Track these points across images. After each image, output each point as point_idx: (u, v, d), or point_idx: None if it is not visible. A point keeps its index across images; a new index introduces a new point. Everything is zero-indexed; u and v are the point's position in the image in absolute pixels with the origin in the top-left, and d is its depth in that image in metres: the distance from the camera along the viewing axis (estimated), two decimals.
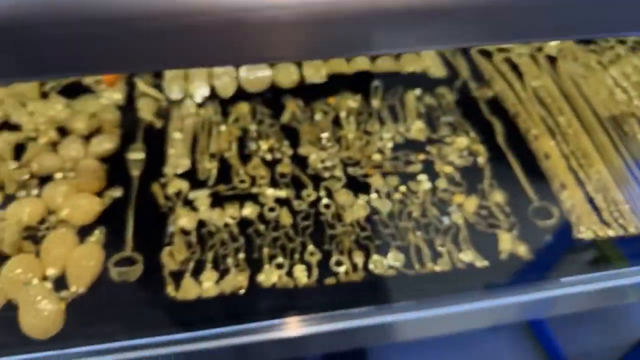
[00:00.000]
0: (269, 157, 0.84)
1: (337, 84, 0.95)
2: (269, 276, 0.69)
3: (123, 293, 0.67)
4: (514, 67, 1.01)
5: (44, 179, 0.80)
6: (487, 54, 1.03)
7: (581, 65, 1.02)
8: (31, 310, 0.62)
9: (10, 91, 0.93)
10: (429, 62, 0.98)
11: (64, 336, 0.62)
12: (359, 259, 0.71)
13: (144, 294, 0.67)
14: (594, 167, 0.83)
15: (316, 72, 0.95)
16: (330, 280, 0.69)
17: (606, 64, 1.03)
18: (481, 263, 0.71)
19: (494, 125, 0.88)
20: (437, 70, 0.97)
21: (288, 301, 0.67)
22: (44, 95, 0.93)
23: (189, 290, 0.67)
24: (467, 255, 0.72)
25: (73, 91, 0.93)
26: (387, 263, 0.71)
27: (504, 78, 0.98)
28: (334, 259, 0.71)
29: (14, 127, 0.88)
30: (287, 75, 0.94)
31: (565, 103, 0.94)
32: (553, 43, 1.06)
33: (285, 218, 0.76)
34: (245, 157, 0.84)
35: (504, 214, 0.77)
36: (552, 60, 1.03)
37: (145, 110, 0.88)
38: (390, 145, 0.87)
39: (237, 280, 0.69)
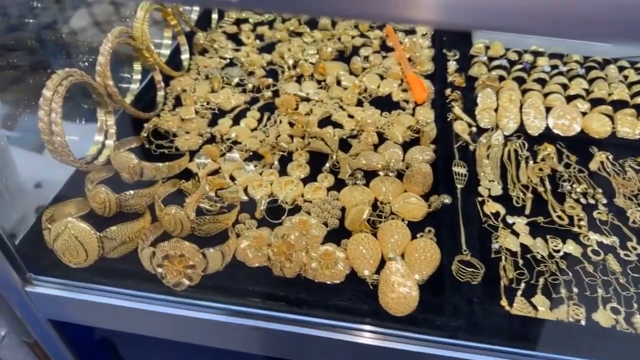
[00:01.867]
0: (583, 200, 0.84)
1: None
2: (605, 318, 0.67)
3: (464, 292, 0.69)
4: None
5: (369, 174, 0.87)
6: None
7: None
8: (393, 287, 0.66)
9: (329, 93, 1.05)
10: None
11: (415, 319, 0.66)
12: None
13: (482, 299, 0.68)
14: None
15: (632, 129, 0.93)
16: None
17: None
18: None
19: None
20: None
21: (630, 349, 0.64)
22: (359, 104, 1.03)
23: (524, 309, 0.68)
24: None
25: (383, 104, 1.02)
26: None
27: None
28: None
29: (336, 125, 0.98)
30: (599, 126, 0.94)
31: None
32: None
33: (614, 265, 0.74)
34: (557, 195, 0.84)
35: None
36: None
37: (462, 131, 0.92)
38: None
39: (575, 313, 0.67)
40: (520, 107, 0.98)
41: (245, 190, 0.84)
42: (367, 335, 0.66)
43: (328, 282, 0.70)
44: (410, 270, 0.70)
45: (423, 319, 0.66)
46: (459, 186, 0.83)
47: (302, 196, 0.83)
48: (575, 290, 0.70)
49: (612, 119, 0.96)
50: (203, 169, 0.86)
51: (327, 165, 0.88)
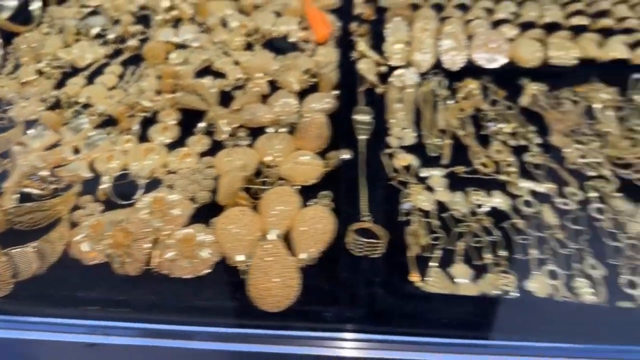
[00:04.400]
0: (512, 142, 0.69)
1: (586, 70, 0.79)
2: (542, 285, 0.53)
3: (363, 270, 0.53)
4: None
5: (255, 131, 0.70)
6: None
7: None
8: (266, 275, 0.50)
9: (212, 38, 0.86)
10: None
11: (292, 313, 0.50)
12: None
13: (386, 276, 0.53)
14: None
15: (565, 54, 0.79)
16: (625, 304, 0.52)
17: None
18: None
19: None
20: None
21: (576, 321, 0.50)
22: (248, 47, 0.85)
23: (439, 283, 0.53)
24: None
25: (279, 49, 0.84)
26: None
27: None
28: (624, 277, 0.54)
29: (217, 74, 0.79)
30: (529, 53, 0.79)
31: None
32: None
33: (549, 217, 0.60)
34: (481, 139, 0.70)
35: None
36: None
37: (368, 72, 0.76)
38: None
39: (503, 283, 0.53)
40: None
41: (92, 165, 0.65)
42: (235, 339, 0.50)
43: (189, 277, 0.54)
44: (297, 247, 0.54)
45: (307, 311, 0.50)
46: (362, 137, 0.67)
47: (166, 167, 0.65)
48: (504, 253, 0.56)
49: (544, 44, 0.82)
50: (36, 143, 0.66)
51: (201, 124, 0.71)
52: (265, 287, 0.49)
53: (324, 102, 0.72)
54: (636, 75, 0.77)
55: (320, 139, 0.66)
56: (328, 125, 0.67)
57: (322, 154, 0.66)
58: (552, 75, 0.78)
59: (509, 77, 0.78)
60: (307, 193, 0.61)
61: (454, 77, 0.78)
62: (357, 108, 0.70)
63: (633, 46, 0.82)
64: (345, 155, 0.64)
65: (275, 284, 0.49)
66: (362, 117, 0.69)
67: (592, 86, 0.77)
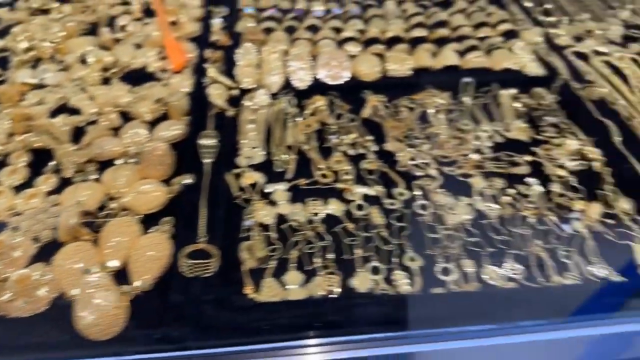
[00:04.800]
0: (352, 152, 0.75)
1: (422, 79, 0.86)
2: (364, 281, 0.58)
3: (194, 290, 0.56)
4: (616, 70, 0.90)
5: (105, 164, 0.71)
6: (583, 56, 0.93)
7: None
8: (89, 306, 0.52)
9: (70, 75, 0.87)
10: (525, 60, 0.88)
11: (121, 339, 0.52)
12: (469, 267, 0.60)
13: (220, 292, 0.56)
14: None
15: (401, 66, 0.86)
16: (437, 290, 0.58)
17: None
18: (617, 278, 0.59)
19: (609, 128, 0.77)
20: (534, 68, 0.87)
21: (392, 310, 0.56)
22: (106, 82, 0.86)
23: (271, 291, 0.57)
24: (599, 269, 0.60)
25: (137, 79, 0.86)
26: (504, 274, 0.60)
27: (607, 80, 0.88)
28: (439, 266, 0.60)
29: (73, 111, 0.80)
30: (369, 68, 0.85)
31: None
32: None
33: (377, 218, 0.65)
34: (325, 151, 0.75)
35: (636, 223, 0.65)
36: None
37: (217, 97, 0.79)
38: (488, 144, 0.76)
39: (328, 284, 0.58)
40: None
41: None
42: None
43: (26, 316, 0.55)
44: (132, 276, 0.57)
45: (135, 336, 0.52)
46: (207, 161, 0.71)
47: (13, 209, 0.66)
48: (332, 256, 0.61)
49: (383, 58, 0.89)
50: None
51: (52, 163, 0.72)
52: (90, 318, 0.51)
53: (173, 129, 0.75)
54: (465, 79, 0.86)
55: (164, 166, 0.69)
56: (171, 152, 0.70)
57: (170, 180, 0.68)
58: (391, 86, 0.85)
59: (353, 92, 0.84)
60: (152, 221, 0.64)
61: (304, 95, 0.84)
62: (202, 133, 0.74)
63: (466, 51, 0.91)
64: (187, 180, 0.67)
65: (101, 314, 0.51)
66: (207, 141, 0.73)
67: (427, 93, 0.85)
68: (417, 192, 0.69)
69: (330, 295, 0.57)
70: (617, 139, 0.75)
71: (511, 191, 0.69)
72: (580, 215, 0.66)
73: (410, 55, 0.88)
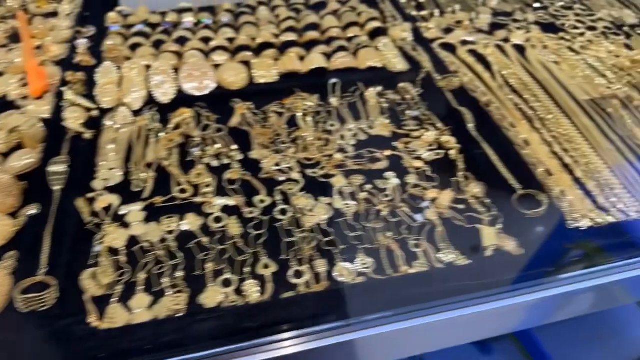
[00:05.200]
0: (215, 163, 0.74)
1: (291, 83, 0.87)
2: (213, 295, 0.58)
3: (32, 326, 0.54)
4: (481, 59, 0.94)
5: None
6: (450, 48, 0.96)
7: (552, 53, 0.95)
8: None
9: None
10: (389, 57, 0.90)
11: None
12: (321, 267, 0.60)
13: (59, 325, 0.54)
14: (581, 150, 0.74)
15: (267, 72, 0.86)
16: (288, 294, 0.58)
17: (578, 50, 0.97)
18: (464, 262, 0.61)
19: (464, 116, 0.80)
20: (398, 64, 0.89)
21: (237, 322, 0.55)
22: None
23: (115, 318, 0.55)
24: (446, 255, 0.62)
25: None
26: (354, 269, 0.60)
27: (470, 69, 0.91)
28: (292, 270, 0.60)
29: None
30: (234, 76, 0.85)
31: (541, 90, 0.86)
32: (520, 32, 1.00)
33: (234, 228, 0.65)
34: (188, 165, 0.74)
35: (485, 206, 0.67)
36: (520, 50, 0.97)
37: (73, 121, 0.77)
38: (352, 143, 0.77)
39: (174, 303, 0.57)
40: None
41: None
42: None
43: None
44: None
45: None
46: (56, 188, 0.68)
47: None
48: (181, 274, 0.60)
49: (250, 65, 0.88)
50: None
51: None
52: None
53: (25, 158, 0.72)
54: (333, 80, 0.87)
55: (11, 198, 0.66)
56: (19, 183, 0.67)
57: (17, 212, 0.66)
58: (261, 93, 0.85)
59: (221, 101, 0.84)
60: None
61: (170, 109, 0.82)
62: (51, 160, 0.71)
63: (334, 53, 0.92)
64: (32, 210, 0.64)
65: None
66: (57, 167, 0.70)
67: (296, 97, 0.85)
68: (278, 198, 0.69)
69: (176, 315, 0.56)
70: (470, 125, 0.78)
71: (368, 187, 0.70)
72: (432, 203, 0.68)
73: (278, 61, 0.89)
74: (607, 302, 0.68)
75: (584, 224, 0.64)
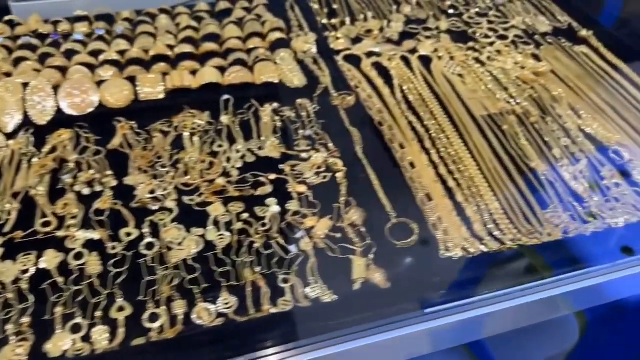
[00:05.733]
0: (86, 191, 0.70)
1: (181, 99, 0.83)
2: (59, 343, 0.54)
3: None
4: (385, 72, 0.91)
5: None
6: (355, 60, 0.94)
7: (458, 64, 0.94)
8: None
9: None
10: (287, 71, 0.87)
11: None
12: (180, 309, 0.58)
13: None
14: (468, 171, 0.73)
15: (153, 88, 0.82)
16: (138, 341, 0.55)
17: (485, 61, 0.95)
18: (330, 298, 0.59)
19: (354, 136, 0.77)
20: (295, 79, 0.86)
21: None
22: None
23: None
24: (314, 290, 0.60)
25: None
26: (215, 310, 0.58)
27: (371, 84, 0.88)
28: (148, 312, 0.57)
29: None
30: (117, 94, 0.80)
31: (439, 106, 0.85)
32: (429, 42, 0.98)
33: (94, 266, 0.61)
34: (59, 193, 0.70)
35: (360, 235, 0.65)
36: (427, 61, 0.95)
37: None
38: (239, 165, 0.74)
39: (15, 353, 0.53)
40: None
41: None
42: None
43: None
44: None
45: None
46: None
47: None
48: (27, 319, 0.56)
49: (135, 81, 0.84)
50: None
51: None
52: None
53: None
54: (225, 97, 0.83)
55: None
56: None
57: None
58: (147, 111, 0.81)
59: (104, 121, 0.79)
60: None
61: (49, 131, 0.77)
62: None
63: (231, 66, 0.88)
64: None
65: None
66: None
67: (186, 115, 0.81)
68: (147, 230, 0.65)
69: None
70: (359, 147, 0.76)
71: (245, 215, 0.67)
72: (306, 233, 0.65)
73: (168, 75, 0.84)
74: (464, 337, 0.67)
75: (456, 253, 0.63)
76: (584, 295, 0.64)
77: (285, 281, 0.60)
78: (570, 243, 0.65)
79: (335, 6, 1.08)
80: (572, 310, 0.77)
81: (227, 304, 0.58)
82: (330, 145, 0.77)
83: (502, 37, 1.02)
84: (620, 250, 0.65)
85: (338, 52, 0.95)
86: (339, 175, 0.73)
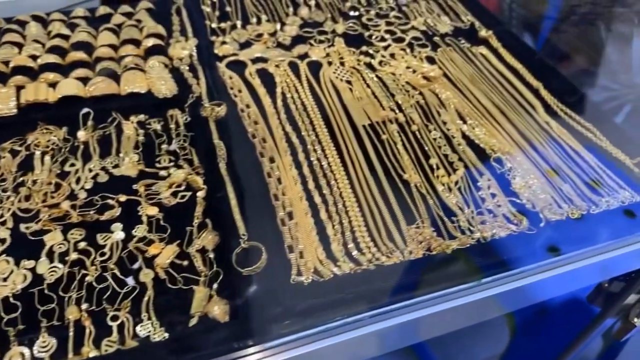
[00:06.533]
0: None
1: (36, 115, 0.76)
2: None
3: None
4: (270, 79, 0.86)
5: None
6: (240, 66, 0.88)
7: (348, 70, 0.89)
8: None
9: None
10: (155, 80, 0.81)
11: None
12: None
13: None
14: (339, 185, 0.68)
15: (4, 104, 0.75)
16: None
17: (376, 65, 0.91)
18: (161, 336, 0.53)
19: (219, 151, 0.72)
20: (165, 89, 0.80)
21: None
22: None
23: None
24: (145, 328, 0.54)
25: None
26: (30, 354, 0.52)
27: (252, 92, 0.83)
28: None
29: None
30: None
31: (320, 115, 0.80)
32: (322, 46, 0.93)
33: None
34: None
35: (210, 262, 0.60)
36: (317, 66, 0.90)
37: None
38: (88, 187, 0.68)
39: None
40: None
41: None
42: None
43: None
44: None
45: None
46: None
47: None
48: None
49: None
50: None
51: None
52: None
53: None
54: (84, 110, 0.77)
55: None
56: None
57: None
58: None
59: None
60: None
61: None
62: None
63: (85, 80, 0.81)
64: None
65: None
66: None
67: (41, 131, 0.75)
68: None
69: None
70: (222, 163, 0.70)
71: (82, 244, 0.61)
72: (143, 263, 0.59)
73: (23, 89, 0.77)
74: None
75: (307, 277, 0.58)
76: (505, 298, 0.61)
77: (114, 319, 0.55)
78: (487, 247, 0.61)
79: (228, 9, 1.03)
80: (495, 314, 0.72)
81: (44, 346, 0.52)
82: (196, 160, 0.71)
83: (399, 40, 0.98)
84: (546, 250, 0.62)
85: (222, 58, 0.90)
86: (200, 194, 0.67)
